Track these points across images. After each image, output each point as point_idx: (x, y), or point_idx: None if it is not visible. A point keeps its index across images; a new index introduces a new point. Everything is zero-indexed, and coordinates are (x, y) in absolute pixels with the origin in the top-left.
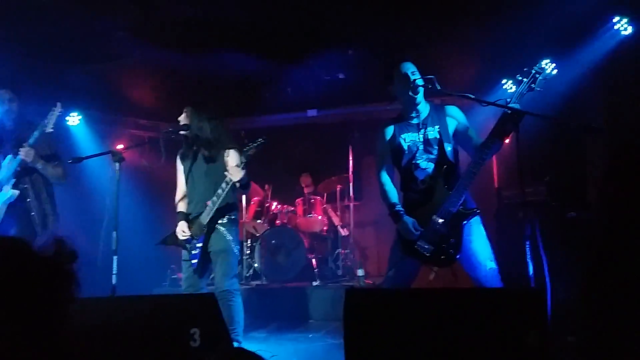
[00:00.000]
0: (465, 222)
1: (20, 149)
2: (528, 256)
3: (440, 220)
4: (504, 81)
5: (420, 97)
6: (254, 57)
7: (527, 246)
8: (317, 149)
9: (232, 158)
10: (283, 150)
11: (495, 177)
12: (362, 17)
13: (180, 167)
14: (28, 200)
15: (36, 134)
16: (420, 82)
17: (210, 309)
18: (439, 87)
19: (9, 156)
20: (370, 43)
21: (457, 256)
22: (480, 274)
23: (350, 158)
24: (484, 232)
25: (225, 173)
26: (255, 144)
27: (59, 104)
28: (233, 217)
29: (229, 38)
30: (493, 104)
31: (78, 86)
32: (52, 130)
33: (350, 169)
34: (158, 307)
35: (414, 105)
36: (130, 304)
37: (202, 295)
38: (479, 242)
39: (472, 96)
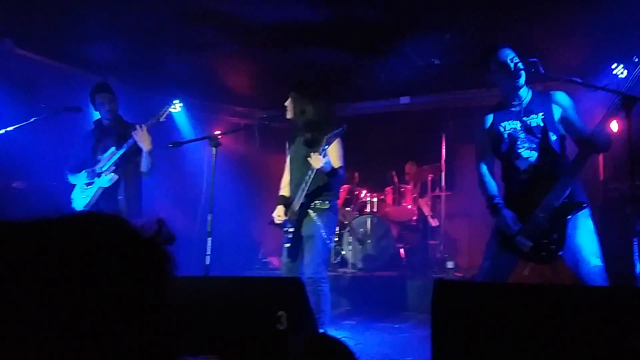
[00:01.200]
0: (569, 216)
1: (136, 131)
2: (636, 254)
3: (542, 215)
4: (614, 65)
5: (521, 82)
6: (348, 46)
7: (635, 243)
8: (409, 137)
9: (332, 146)
10: (374, 138)
11: (601, 168)
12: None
13: (288, 151)
14: (119, 185)
15: (150, 122)
16: (521, 65)
17: (296, 293)
18: (542, 71)
19: (112, 148)
20: (469, 26)
21: (559, 252)
22: (583, 271)
23: (443, 147)
24: (592, 227)
25: (308, 159)
26: (334, 133)
27: (177, 101)
28: (327, 202)
29: (324, 28)
30: (603, 88)
31: (177, 74)
32: (164, 120)
33: (443, 158)
34: (246, 288)
35: (515, 91)
36: (220, 284)
37: (289, 279)
38: (584, 236)
39: (580, 80)
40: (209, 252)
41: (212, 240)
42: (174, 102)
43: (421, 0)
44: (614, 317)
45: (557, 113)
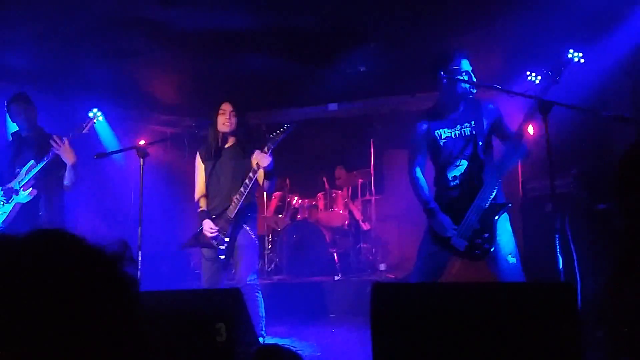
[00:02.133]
0: (497, 216)
1: (56, 144)
2: (557, 250)
3: (474, 216)
4: (528, 72)
5: (473, 93)
6: (275, 53)
7: (556, 239)
8: (338, 143)
9: (257, 155)
10: (303, 145)
11: (520, 169)
12: (385, 8)
13: (200, 165)
14: (39, 200)
15: (72, 135)
16: (467, 77)
17: (235, 304)
18: (474, 79)
19: (32, 161)
20: (393, 34)
21: (492, 250)
22: (500, 269)
23: (372, 152)
24: (509, 228)
25: (252, 159)
26: (282, 130)
27: (97, 110)
28: (254, 214)
29: (252, 36)
30: (522, 94)
31: (101, 83)
32: (87, 132)
33: (372, 163)
34: (183, 302)
35: (460, 100)
36: (155, 299)
37: (227, 290)
38: (503, 237)
39: (500, 87)
40: (139, 267)
41: (142, 253)
42: (94, 111)
43: (348, 9)
44: (542, 311)
45: (486, 121)
